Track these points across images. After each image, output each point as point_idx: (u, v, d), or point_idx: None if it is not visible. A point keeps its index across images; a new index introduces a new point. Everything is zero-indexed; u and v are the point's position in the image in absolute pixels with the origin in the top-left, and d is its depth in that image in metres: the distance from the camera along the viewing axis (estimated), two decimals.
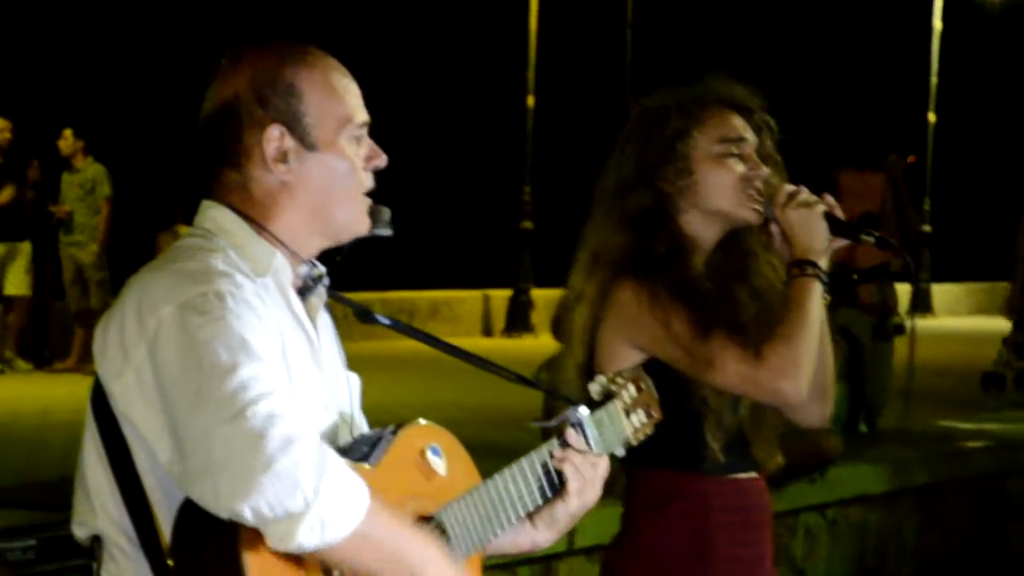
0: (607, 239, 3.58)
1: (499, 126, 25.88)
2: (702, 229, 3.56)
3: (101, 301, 14.06)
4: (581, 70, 30.82)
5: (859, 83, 33.31)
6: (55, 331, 14.77)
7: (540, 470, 2.82)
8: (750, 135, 3.58)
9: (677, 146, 3.54)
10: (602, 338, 3.54)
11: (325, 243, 2.67)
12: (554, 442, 2.85)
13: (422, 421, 2.71)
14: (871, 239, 3.49)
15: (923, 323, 25.63)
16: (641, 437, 3.04)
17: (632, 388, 3.03)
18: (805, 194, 3.49)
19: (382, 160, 2.69)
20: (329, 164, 2.62)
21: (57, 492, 4.26)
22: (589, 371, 3.53)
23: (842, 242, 3.52)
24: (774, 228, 3.51)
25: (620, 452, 2.98)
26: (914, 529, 7.68)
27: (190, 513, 2.39)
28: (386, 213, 2.72)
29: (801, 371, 3.41)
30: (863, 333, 9.13)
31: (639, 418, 3.03)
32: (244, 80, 2.61)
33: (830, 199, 3.51)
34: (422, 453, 2.66)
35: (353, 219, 2.66)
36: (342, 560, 2.42)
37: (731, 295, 3.55)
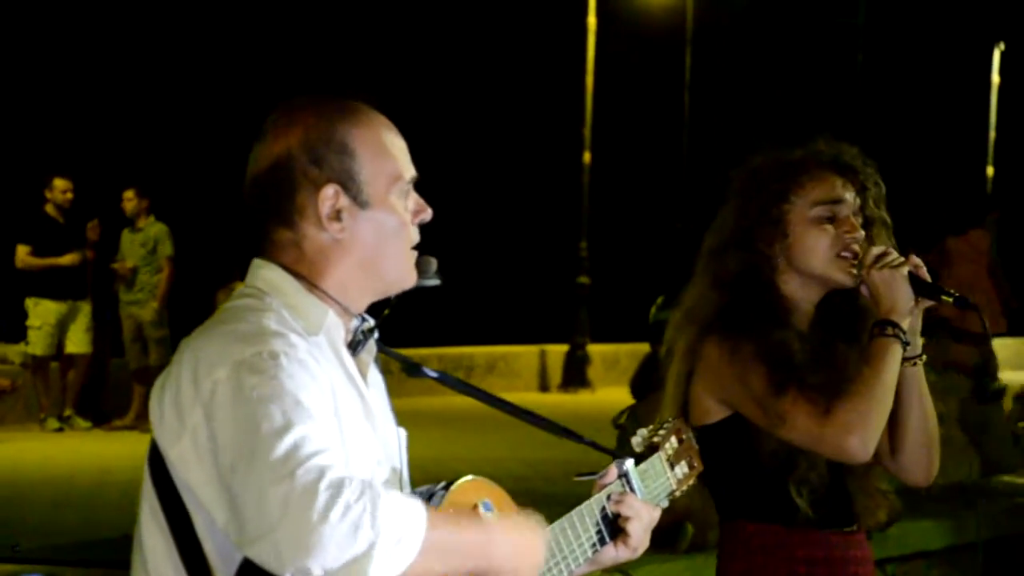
0: (700, 298, 3.64)
1: (556, 182, 25.95)
2: (800, 290, 3.60)
3: (161, 359, 14.14)
4: (638, 126, 30.86)
5: (918, 139, 33.20)
6: (113, 389, 14.85)
7: (599, 514, 2.83)
8: (850, 196, 3.60)
9: (775, 209, 3.58)
10: (693, 393, 3.60)
11: (374, 298, 2.69)
12: (611, 488, 2.87)
13: (471, 476, 2.71)
14: (950, 299, 3.51)
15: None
16: (685, 488, 3.05)
17: (674, 440, 3.05)
18: (891, 255, 3.52)
19: (428, 214, 2.70)
20: (381, 221, 2.63)
21: (115, 551, 4.28)
22: None
23: (929, 303, 3.54)
24: (863, 289, 3.54)
25: (664, 504, 2.99)
26: None
27: (250, 572, 2.38)
28: (433, 264, 2.74)
29: (869, 428, 3.43)
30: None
31: (682, 469, 3.05)
32: (296, 138, 2.61)
33: (916, 260, 3.53)
34: (475, 508, 2.66)
35: (402, 273, 2.68)
36: (425, 574, 2.41)
37: (833, 353, 3.58)
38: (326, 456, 2.35)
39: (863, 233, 3.58)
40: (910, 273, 3.50)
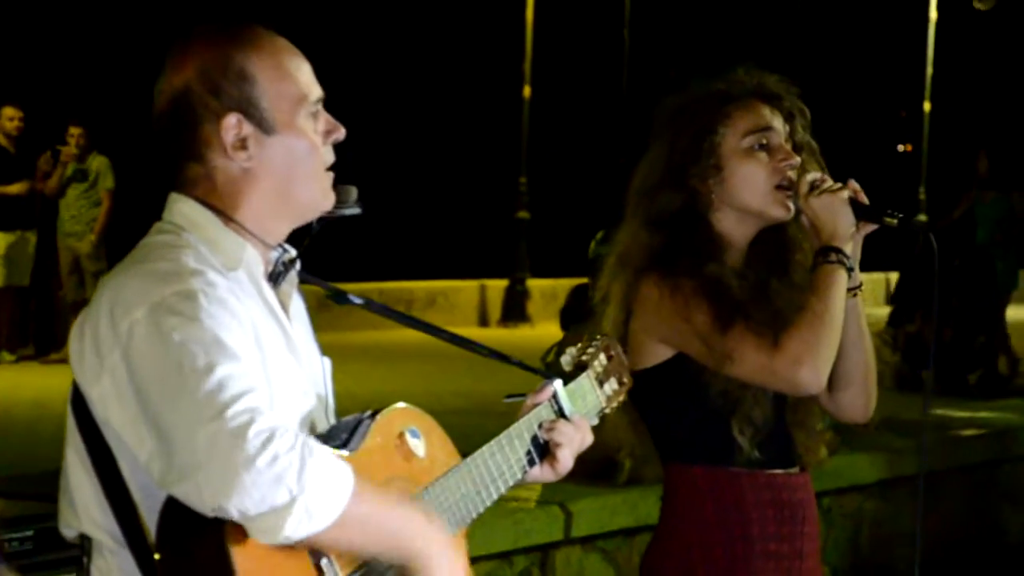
0: (633, 240, 3.57)
1: (495, 117, 25.87)
2: (735, 227, 3.54)
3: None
4: (577, 61, 30.81)
5: (855, 74, 33.29)
6: (61, 321, 14.76)
7: (529, 439, 2.86)
8: (779, 123, 3.53)
9: (704, 143, 3.50)
10: (632, 336, 3.54)
11: (293, 224, 2.66)
12: (542, 412, 2.89)
13: (400, 404, 2.72)
14: (894, 221, 3.43)
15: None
16: (615, 405, 3.08)
17: (603, 357, 3.06)
18: (828, 181, 3.46)
19: (341, 133, 2.67)
20: (289, 145, 2.60)
21: (53, 483, 4.27)
22: None
23: (871, 227, 3.48)
24: (803, 219, 3.49)
25: (594, 422, 3.00)
26: (909, 517, 7.71)
27: (174, 511, 2.39)
28: (353, 192, 2.72)
29: (820, 358, 3.37)
30: None
31: (611, 386, 3.07)
32: (193, 71, 2.58)
33: (855, 184, 3.47)
34: (401, 436, 2.67)
35: (317, 196, 2.65)
36: (332, 544, 2.43)
37: (767, 289, 3.53)
38: (252, 397, 2.35)
39: (799, 159, 3.51)
40: (850, 198, 3.44)
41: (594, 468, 5.61)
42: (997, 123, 34.11)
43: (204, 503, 2.32)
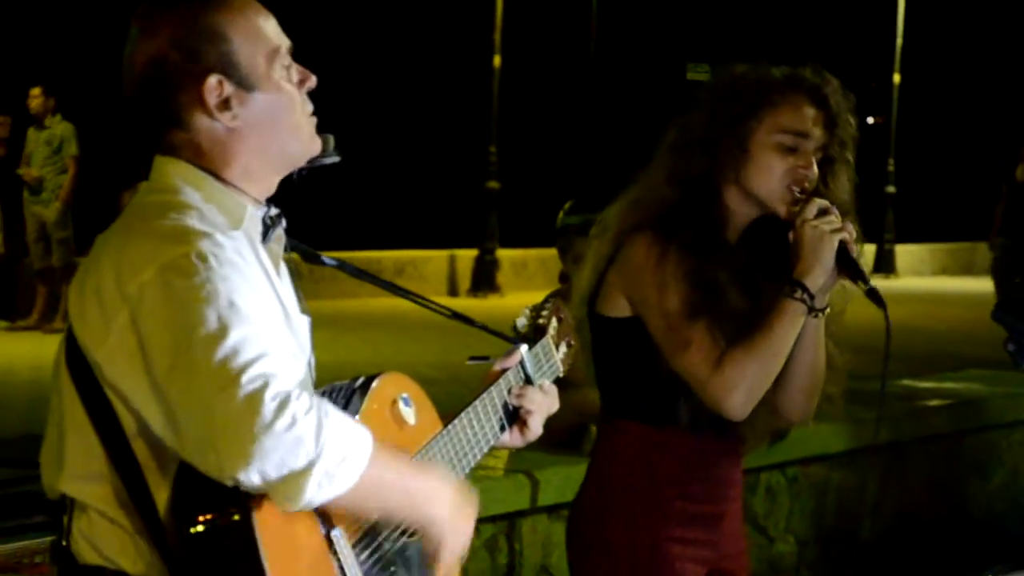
0: (651, 191, 3.62)
1: (466, 87, 25.83)
2: (739, 205, 3.59)
3: (63, 259, 14.02)
4: (547, 31, 30.77)
5: (825, 46, 33.31)
6: (23, 289, 14.73)
7: (500, 406, 2.91)
8: (818, 132, 3.56)
9: (742, 122, 3.55)
10: (607, 281, 3.61)
11: (281, 175, 2.65)
12: (510, 379, 2.94)
13: (393, 372, 2.74)
14: (864, 287, 3.45)
15: (886, 283, 25.75)
16: (567, 367, 3.13)
17: (555, 320, 3.12)
18: (832, 217, 3.48)
19: (312, 80, 2.65)
20: (271, 99, 2.59)
21: (19, 449, 4.27)
22: (590, 304, 3.64)
23: (843, 279, 3.51)
24: (790, 235, 3.51)
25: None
26: (874, 487, 7.75)
27: (189, 478, 2.36)
28: (330, 141, 2.71)
29: (752, 391, 3.45)
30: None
31: (563, 348, 3.13)
32: (165, 37, 2.55)
33: (851, 231, 3.49)
34: (394, 403, 2.70)
35: (304, 143, 2.64)
36: (351, 507, 2.43)
37: (743, 278, 3.58)
38: (267, 362, 2.33)
39: (816, 174, 3.55)
40: (840, 243, 3.46)
41: (560, 437, 5.64)
42: (967, 96, 34.21)
43: (224, 473, 2.29)
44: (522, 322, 3.07)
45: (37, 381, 10.46)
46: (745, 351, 3.44)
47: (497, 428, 2.90)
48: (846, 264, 3.47)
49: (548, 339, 3.07)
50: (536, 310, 3.10)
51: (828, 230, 3.46)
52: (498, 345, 3.03)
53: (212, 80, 2.55)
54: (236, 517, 2.33)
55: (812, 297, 3.46)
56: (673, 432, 3.62)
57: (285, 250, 2.70)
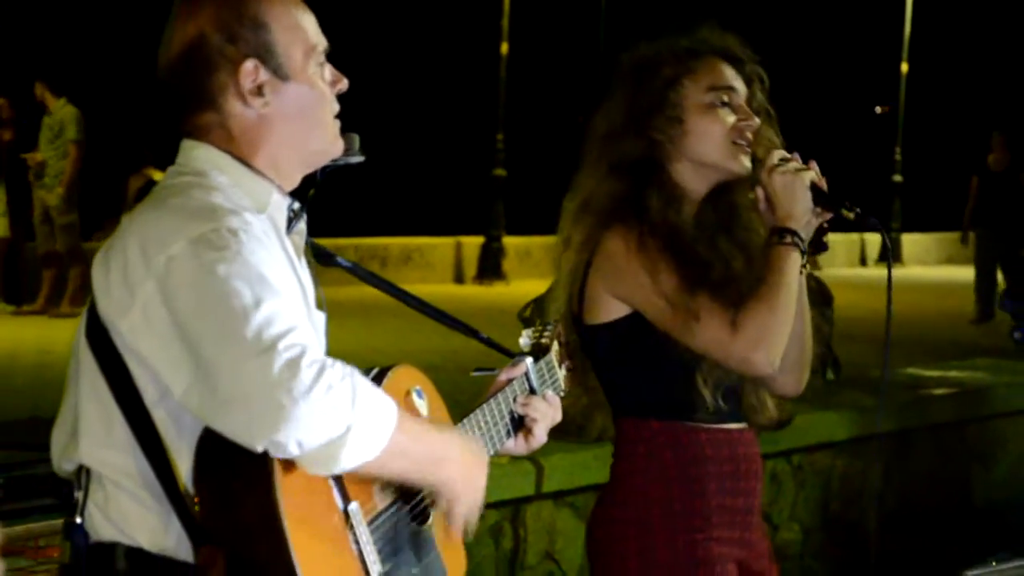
0: (597, 187, 3.58)
1: (473, 74, 25.82)
2: (692, 180, 3.56)
3: (67, 245, 14.00)
4: (555, 18, 30.74)
5: (833, 35, 33.29)
6: (30, 274, 14.74)
7: (507, 414, 2.97)
8: (740, 85, 3.57)
9: (668, 95, 3.53)
10: (589, 287, 3.55)
11: (305, 171, 2.69)
12: (516, 388, 2.99)
13: (404, 364, 2.77)
14: (851, 214, 3.45)
15: (893, 272, 25.72)
16: (567, 387, 3.19)
17: (556, 344, 3.17)
18: (795, 162, 3.49)
19: (344, 84, 2.70)
20: (303, 92, 2.63)
21: (25, 432, 4.29)
22: (572, 318, 3.58)
23: (827, 215, 3.51)
24: (759, 191, 3.50)
25: None
26: (879, 475, 7.76)
27: (213, 447, 2.39)
28: (356, 140, 2.75)
29: (775, 342, 3.41)
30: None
31: (564, 370, 3.19)
32: (207, 18, 2.59)
33: (816, 168, 3.50)
34: (408, 394, 2.73)
35: (328, 142, 2.68)
36: (379, 471, 2.48)
37: (716, 246, 3.55)
38: (299, 333, 2.37)
39: (758, 121, 3.55)
40: (812, 183, 3.46)
41: (565, 424, 5.66)
42: (974, 85, 34.14)
43: (254, 437, 2.32)
44: (525, 341, 3.12)
45: (42, 365, 10.47)
46: (758, 305, 3.41)
47: (503, 434, 2.95)
48: (823, 200, 3.48)
49: (552, 355, 3.13)
50: (539, 331, 3.16)
51: (795, 170, 3.47)
52: (509, 328, 3.07)
53: (249, 64, 2.59)
54: (259, 487, 2.35)
55: (803, 240, 3.45)
56: (698, 422, 3.57)
57: (307, 244, 2.73)
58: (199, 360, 2.37)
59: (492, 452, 2.89)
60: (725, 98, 3.54)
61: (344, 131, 2.72)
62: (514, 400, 2.98)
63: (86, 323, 2.54)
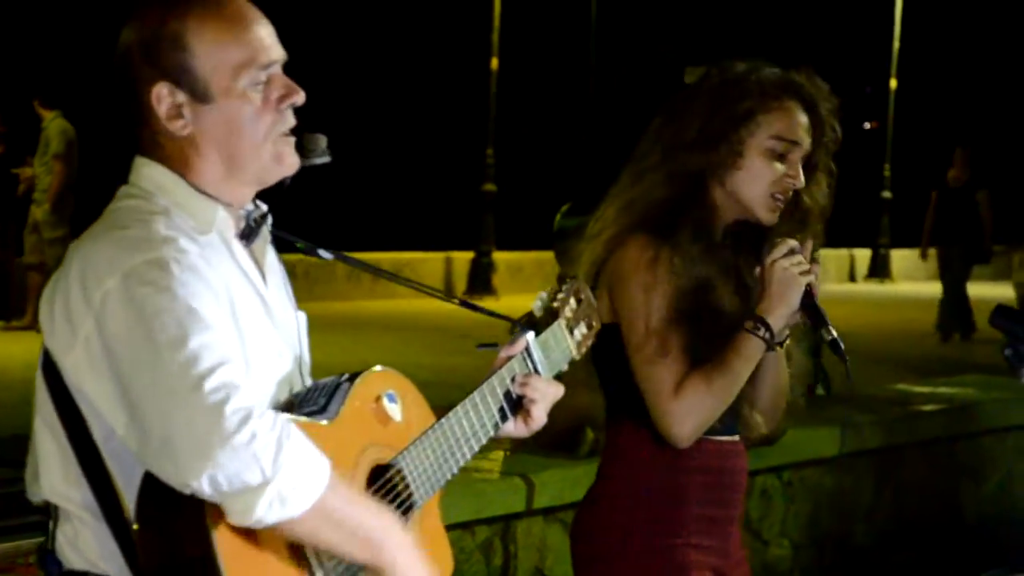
0: (648, 190, 3.62)
1: (463, 89, 25.84)
2: (725, 206, 3.60)
3: (56, 259, 13.97)
4: (545, 33, 30.78)
5: (820, 50, 33.33)
6: (19, 289, 14.70)
7: (502, 395, 2.86)
8: (807, 140, 3.61)
9: (740, 127, 3.57)
10: (599, 283, 3.58)
11: (253, 188, 2.61)
12: (514, 367, 2.89)
13: (377, 368, 2.72)
14: (827, 337, 3.47)
15: (881, 288, 25.78)
16: (584, 350, 3.08)
17: (573, 301, 3.06)
18: (800, 259, 3.53)
19: (299, 96, 2.59)
20: (229, 113, 2.53)
21: (12, 449, 4.28)
22: None
23: (803, 322, 3.55)
24: (758, 270, 3.55)
25: (564, 368, 3.01)
26: (869, 491, 7.76)
27: (154, 485, 2.37)
28: (322, 141, 2.68)
29: (702, 422, 3.49)
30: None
31: (581, 331, 3.07)
32: (134, 34, 2.53)
33: (817, 273, 3.55)
34: (378, 400, 2.67)
35: (271, 162, 2.58)
36: (302, 535, 2.40)
37: (719, 292, 3.58)
38: (227, 370, 2.33)
39: (803, 182, 3.60)
40: (807, 287, 3.51)
41: (557, 440, 5.65)
42: (963, 102, 34.22)
43: (179, 479, 2.29)
44: (538, 305, 3.01)
45: (31, 381, 10.38)
46: (706, 383, 3.48)
47: (498, 417, 2.84)
48: (808, 309, 3.53)
49: (559, 324, 3.01)
50: (553, 292, 3.05)
51: (796, 272, 3.51)
52: (503, 336, 2.99)
53: (162, 88, 2.52)
54: (195, 523, 2.33)
55: (773, 336, 3.50)
56: None
57: (294, 249, 2.69)
58: (131, 402, 2.35)
59: (485, 438, 2.80)
60: (785, 150, 3.58)
61: (312, 133, 2.65)
62: (512, 380, 2.86)
63: (42, 358, 2.50)
